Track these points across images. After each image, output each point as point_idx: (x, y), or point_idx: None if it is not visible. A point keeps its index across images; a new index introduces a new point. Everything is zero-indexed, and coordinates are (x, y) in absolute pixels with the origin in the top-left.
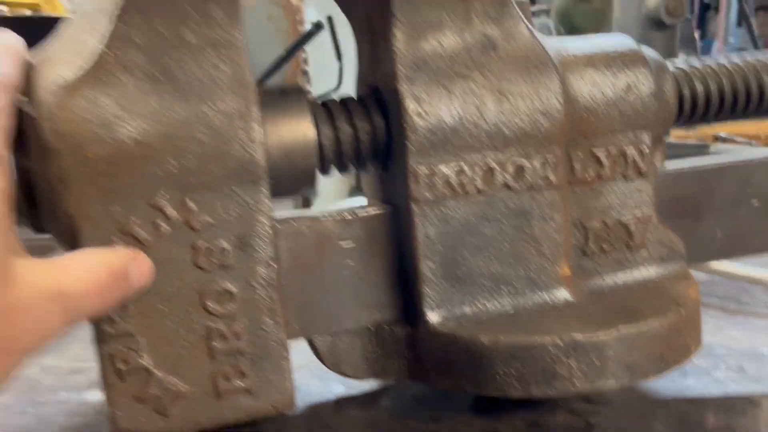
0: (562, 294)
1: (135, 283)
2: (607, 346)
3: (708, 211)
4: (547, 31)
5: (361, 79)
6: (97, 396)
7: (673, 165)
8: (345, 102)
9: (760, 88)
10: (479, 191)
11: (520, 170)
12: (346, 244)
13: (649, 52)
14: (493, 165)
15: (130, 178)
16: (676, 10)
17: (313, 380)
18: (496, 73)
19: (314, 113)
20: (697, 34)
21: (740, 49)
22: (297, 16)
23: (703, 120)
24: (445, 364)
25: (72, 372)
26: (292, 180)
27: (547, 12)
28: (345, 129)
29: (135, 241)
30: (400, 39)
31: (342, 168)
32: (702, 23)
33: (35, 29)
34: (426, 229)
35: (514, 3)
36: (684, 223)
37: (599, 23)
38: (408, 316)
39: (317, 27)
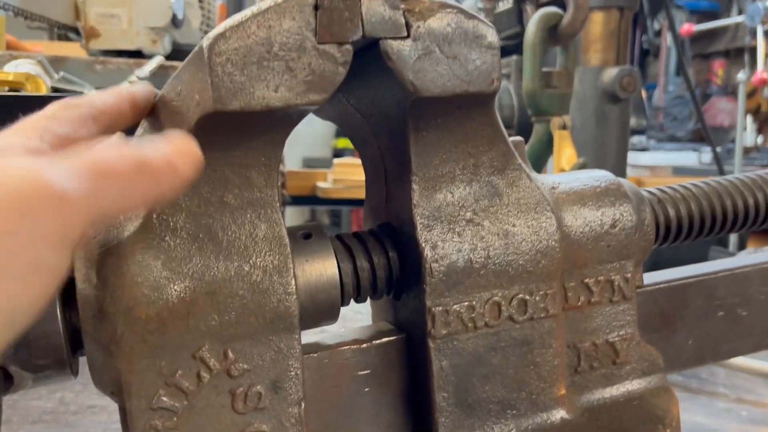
0: (560, 413)
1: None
2: None
3: (681, 323)
4: (506, 95)
5: (373, 213)
6: None
7: (648, 280)
8: (362, 238)
9: (724, 211)
10: (487, 325)
11: (522, 304)
12: (363, 372)
13: (628, 185)
14: (500, 300)
15: (176, 333)
16: (629, 85)
17: None
18: (501, 218)
19: (336, 253)
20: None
21: (678, 97)
22: None
23: (676, 242)
24: None
25: None
26: (316, 316)
27: (507, 76)
28: (363, 265)
29: (179, 391)
30: (417, 192)
31: (359, 299)
32: (642, 68)
33: (17, 108)
34: (440, 362)
35: (516, 154)
36: (661, 335)
37: (563, 106)
38: None
39: None
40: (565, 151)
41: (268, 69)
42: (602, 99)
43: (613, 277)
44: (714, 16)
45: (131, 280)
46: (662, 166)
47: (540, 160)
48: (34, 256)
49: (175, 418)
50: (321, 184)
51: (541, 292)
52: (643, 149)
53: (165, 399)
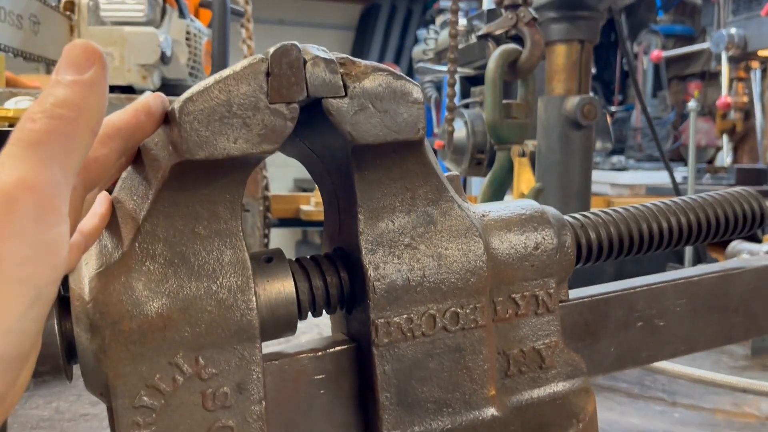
0: (490, 411)
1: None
2: None
3: (604, 332)
4: (479, 121)
5: (329, 239)
6: None
7: (574, 295)
8: (317, 261)
9: (640, 234)
10: (424, 334)
11: (455, 316)
12: (318, 377)
13: (552, 212)
14: (434, 313)
15: (154, 343)
16: (590, 113)
17: None
18: (435, 242)
19: (294, 274)
20: (618, 99)
21: (656, 118)
22: None
23: (597, 261)
24: None
25: None
26: (277, 328)
27: (480, 103)
28: (318, 285)
29: (157, 392)
30: (362, 221)
31: (315, 314)
32: (623, 89)
33: None
34: (383, 366)
35: (449, 187)
36: (585, 343)
37: (523, 135)
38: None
39: None
40: (524, 177)
41: (228, 125)
42: (566, 125)
43: (537, 293)
44: (690, 39)
45: (117, 299)
46: (640, 185)
47: (502, 184)
48: (37, 237)
49: (154, 415)
50: (304, 207)
51: (471, 306)
52: (623, 168)
53: (145, 399)
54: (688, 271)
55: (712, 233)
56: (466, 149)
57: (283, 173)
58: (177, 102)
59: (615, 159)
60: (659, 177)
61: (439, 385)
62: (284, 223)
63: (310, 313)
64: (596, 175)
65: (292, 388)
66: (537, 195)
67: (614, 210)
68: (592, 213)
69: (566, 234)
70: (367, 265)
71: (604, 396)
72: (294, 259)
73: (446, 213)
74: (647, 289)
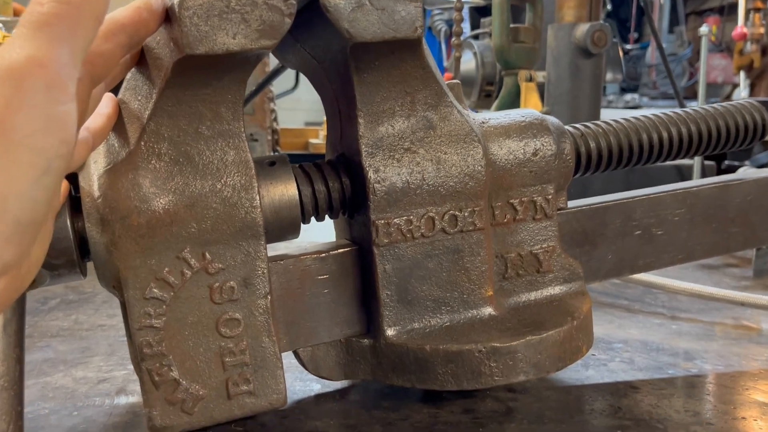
0: (487, 310)
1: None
2: (518, 351)
3: (601, 240)
4: (488, 52)
5: (331, 146)
6: (125, 400)
7: (573, 204)
8: (320, 166)
9: (640, 144)
10: (423, 236)
11: (453, 218)
12: (322, 277)
13: (551, 120)
14: (433, 216)
15: (162, 238)
16: (600, 40)
17: (297, 381)
18: (434, 147)
19: (296, 178)
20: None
21: (671, 55)
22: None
23: (597, 170)
24: (400, 367)
25: (99, 381)
26: (281, 230)
27: (489, 34)
28: (320, 189)
29: (166, 285)
30: (362, 125)
31: (318, 218)
32: (639, 27)
33: None
34: (384, 266)
35: (448, 92)
36: (583, 250)
37: (531, 59)
38: (371, 330)
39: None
40: (531, 102)
41: (227, 20)
42: (575, 54)
43: (535, 198)
44: None
45: (125, 195)
46: None
47: (510, 109)
48: (47, 110)
49: (164, 306)
50: (313, 140)
51: (469, 209)
52: (636, 107)
53: (156, 291)
54: (687, 183)
55: (713, 144)
56: (475, 81)
57: (293, 117)
58: None
59: (629, 97)
60: None
61: (437, 284)
62: (293, 158)
63: (313, 218)
64: (609, 113)
65: (296, 286)
66: None
67: (615, 120)
68: (593, 123)
69: (565, 141)
70: (367, 168)
71: (604, 311)
72: (298, 165)
73: (445, 118)
74: (645, 198)
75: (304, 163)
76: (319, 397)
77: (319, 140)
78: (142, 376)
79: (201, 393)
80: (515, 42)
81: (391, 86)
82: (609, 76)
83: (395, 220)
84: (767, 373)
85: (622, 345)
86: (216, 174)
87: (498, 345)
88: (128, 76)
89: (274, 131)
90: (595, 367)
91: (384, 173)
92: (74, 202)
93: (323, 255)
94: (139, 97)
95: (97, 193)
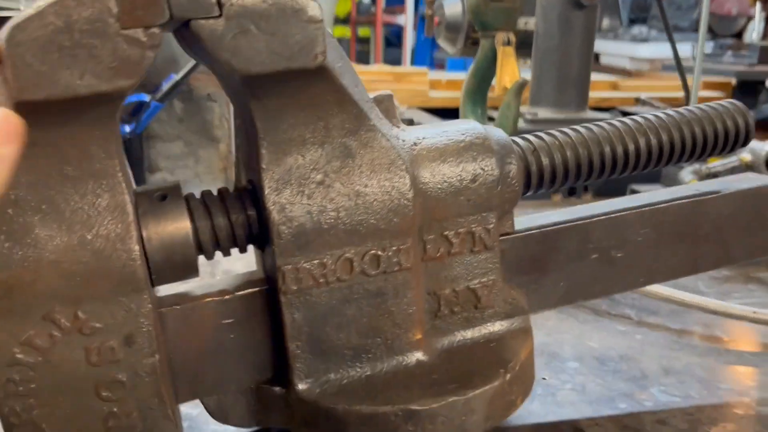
0: (415, 356)
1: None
2: (439, 414)
3: (553, 265)
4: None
5: (245, 168)
6: None
7: (521, 225)
8: (222, 196)
9: (602, 158)
10: (339, 279)
11: (375, 259)
12: (227, 321)
13: (496, 137)
14: (351, 257)
15: (24, 298)
16: None
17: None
18: (353, 179)
19: (192, 212)
20: None
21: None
22: None
23: (552, 187)
24: (313, 423)
25: None
26: (175, 272)
27: None
28: (221, 223)
29: (33, 349)
30: (265, 156)
31: (224, 252)
32: None
33: None
34: (293, 315)
35: (370, 114)
36: (531, 278)
37: (510, 20)
38: (282, 380)
39: None
40: (507, 69)
41: (70, 57)
42: (566, 5)
43: (474, 229)
44: None
45: None
46: (660, 59)
47: (486, 75)
48: None
49: (31, 372)
50: None
51: (393, 248)
52: (644, 40)
53: (20, 356)
54: (657, 196)
55: (688, 154)
56: (461, 27)
57: None
58: (3, 31)
59: (636, 30)
60: (682, 50)
61: (357, 331)
62: None
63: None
64: (615, 46)
65: (197, 334)
66: (520, 90)
67: (575, 129)
68: (548, 134)
69: (511, 163)
70: (271, 207)
71: (567, 314)
72: (198, 194)
73: (367, 144)
74: (606, 219)
75: (205, 193)
76: None
77: None
78: None
79: None
80: (492, 1)
81: (298, 111)
82: (606, 23)
83: (305, 264)
84: (727, 411)
85: (576, 365)
86: (86, 223)
87: (417, 408)
88: None
89: None
90: (541, 397)
91: (291, 212)
92: None
93: (227, 297)
94: None
95: None
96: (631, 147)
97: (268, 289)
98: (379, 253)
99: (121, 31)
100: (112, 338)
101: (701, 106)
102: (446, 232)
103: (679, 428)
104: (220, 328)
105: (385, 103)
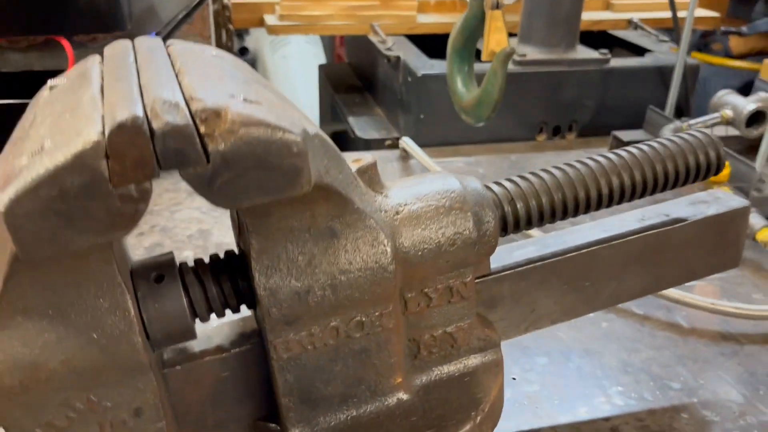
0: (395, 397)
1: None
2: None
3: (525, 297)
4: None
5: (236, 229)
6: None
7: (496, 262)
8: (214, 264)
9: (576, 201)
10: (326, 345)
11: (360, 324)
12: (224, 374)
13: (472, 191)
14: (338, 325)
15: (40, 393)
16: None
17: None
18: (338, 258)
19: (187, 288)
20: None
21: None
22: None
23: (528, 229)
24: None
25: None
26: (175, 340)
27: None
28: (214, 294)
29: (53, 428)
30: (255, 246)
31: (218, 316)
32: None
33: None
34: (285, 377)
35: (354, 199)
36: (504, 309)
37: None
38: (277, 421)
39: None
40: (495, 35)
41: (67, 219)
42: None
43: (452, 284)
44: None
45: None
46: None
47: (473, 35)
48: None
49: None
50: (268, 17)
51: (376, 313)
52: None
53: None
54: (625, 224)
55: (660, 188)
56: None
57: None
58: (2, 203)
59: None
60: None
61: (344, 382)
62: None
63: None
64: None
65: (198, 387)
66: (507, 59)
67: (548, 172)
68: (523, 179)
69: (488, 221)
70: (262, 293)
71: None
72: (190, 265)
73: (350, 225)
74: (578, 255)
75: (198, 262)
76: None
77: (274, 19)
78: None
79: None
80: None
81: (286, 206)
82: None
83: (294, 336)
84: (674, 415)
85: (545, 361)
86: (91, 325)
87: None
88: None
89: (225, 6)
90: (508, 404)
91: (281, 295)
92: None
93: (224, 354)
94: None
95: None
96: (605, 190)
97: (260, 342)
98: (363, 319)
99: (113, 191)
100: (123, 413)
101: (674, 138)
102: (426, 290)
103: None
104: (218, 380)
105: (368, 173)
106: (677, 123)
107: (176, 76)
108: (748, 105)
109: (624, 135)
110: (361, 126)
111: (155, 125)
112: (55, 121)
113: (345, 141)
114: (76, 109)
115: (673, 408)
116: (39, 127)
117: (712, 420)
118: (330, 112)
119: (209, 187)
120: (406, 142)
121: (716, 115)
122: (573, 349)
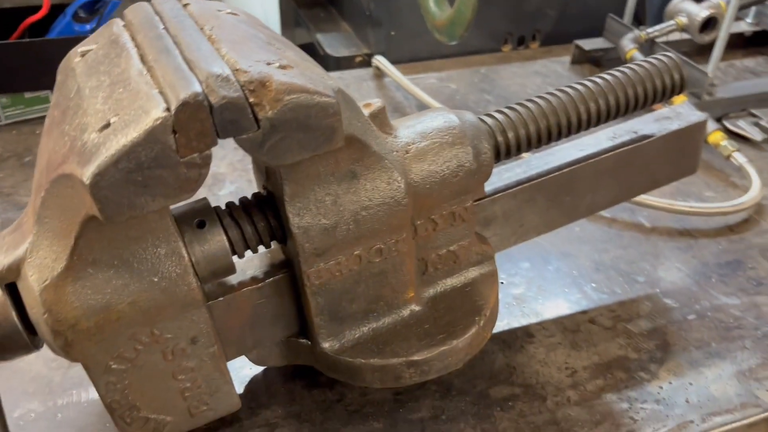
0: (408, 309)
1: None
2: (432, 360)
3: (515, 216)
4: None
5: (258, 178)
6: None
7: (490, 186)
8: (245, 206)
9: (558, 126)
10: (351, 270)
11: (379, 251)
12: (260, 301)
13: (468, 124)
14: (361, 253)
15: (112, 331)
16: None
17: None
18: (360, 196)
19: (225, 229)
20: None
21: None
22: None
23: (515, 155)
24: (335, 369)
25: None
26: (219, 276)
27: None
28: (250, 232)
29: (123, 359)
30: (288, 191)
31: (253, 251)
32: None
33: None
34: (317, 300)
35: (371, 143)
36: (496, 226)
37: None
38: (308, 337)
39: None
40: None
41: (143, 187)
42: None
43: (454, 210)
44: None
45: (70, 306)
46: None
47: None
48: None
49: (124, 375)
50: None
51: (393, 240)
52: None
53: (114, 366)
54: (599, 143)
55: (630, 110)
56: None
57: None
58: (86, 176)
59: None
60: None
61: (365, 300)
62: None
63: None
64: None
65: (238, 313)
66: None
67: (532, 101)
68: (512, 110)
69: (485, 153)
70: (296, 231)
71: None
72: (224, 208)
73: (370, 166)
74: (559, 175)
75: (231, 206)
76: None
77: None
78: (115, 419)
79: (168, 419)
80: None
81: (314, 159)
82: None
83: (324, 265)
84: (641, 304)
85: (528, 266)
86: (152, 270)
87: (417, 359)
88: (43, 194)
89: None
90: (501, 308)
91: (313, 232)
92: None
93: (259, 285)
94: (62, 218)
95: (42, 309)
96: (584, 115)
97: (291, 272)
98: (382, 246)
99: (180, 160)
100: (182, 341)
101: (642, 62)
102: (432, 216)
103: (605, 326)
104: (255, 306)
105: (380, 117)
106: (636, 32)
107: (212, 45)
108: (702, 12)
109: (585, 44)
110: (329, 43)
111: (213, 99)
112: (110, 95)
113: (313, 57)
114: (127, 83)
115: (639, 298)
116: (91, 100)
117: (672, 306)
118: (292, 26)
119: (260, 149)
120: (380, 61)
121: (671, 22)
122: (551, 253)
